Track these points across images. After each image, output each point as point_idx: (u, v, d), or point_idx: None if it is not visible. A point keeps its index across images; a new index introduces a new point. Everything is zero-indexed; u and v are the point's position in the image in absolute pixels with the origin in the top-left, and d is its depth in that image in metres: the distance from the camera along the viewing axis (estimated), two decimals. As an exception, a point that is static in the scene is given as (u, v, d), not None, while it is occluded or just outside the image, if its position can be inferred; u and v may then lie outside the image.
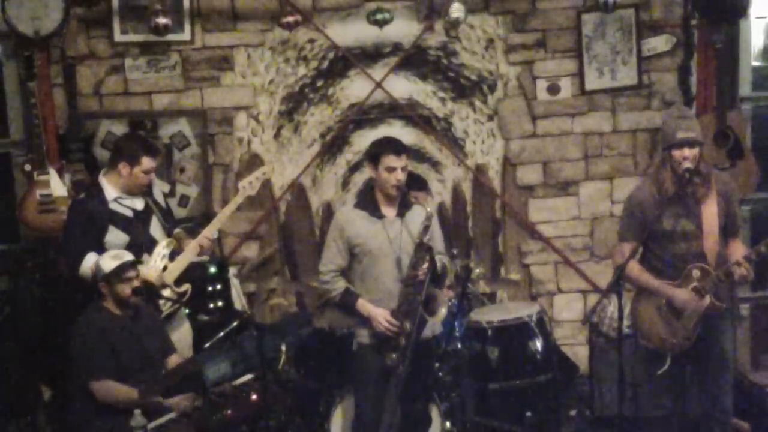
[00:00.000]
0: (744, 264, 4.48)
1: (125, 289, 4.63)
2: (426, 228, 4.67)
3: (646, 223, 4.65)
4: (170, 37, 5.96)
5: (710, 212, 4.60)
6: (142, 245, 4.97)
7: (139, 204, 5.07)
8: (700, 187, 4.59)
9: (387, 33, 6.22)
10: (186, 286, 5.13)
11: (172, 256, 5.07)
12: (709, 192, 4.61)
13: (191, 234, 5.27)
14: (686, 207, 4.60)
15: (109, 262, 4.63)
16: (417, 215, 4.76)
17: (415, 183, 5.48)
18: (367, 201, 4.81)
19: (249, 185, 5.26)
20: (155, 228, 5.12)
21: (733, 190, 4.74)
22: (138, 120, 6.14)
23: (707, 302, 4.56)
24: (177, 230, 5.27)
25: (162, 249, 5.03)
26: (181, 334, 5.18)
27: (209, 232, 5.17)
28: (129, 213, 5.02)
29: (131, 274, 4.66)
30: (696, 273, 4.58)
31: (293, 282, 6.34)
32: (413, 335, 4.63)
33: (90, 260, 4.81)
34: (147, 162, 4.98)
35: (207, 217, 5.86)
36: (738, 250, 4.62)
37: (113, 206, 4.98)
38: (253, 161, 6.20)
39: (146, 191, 5.12)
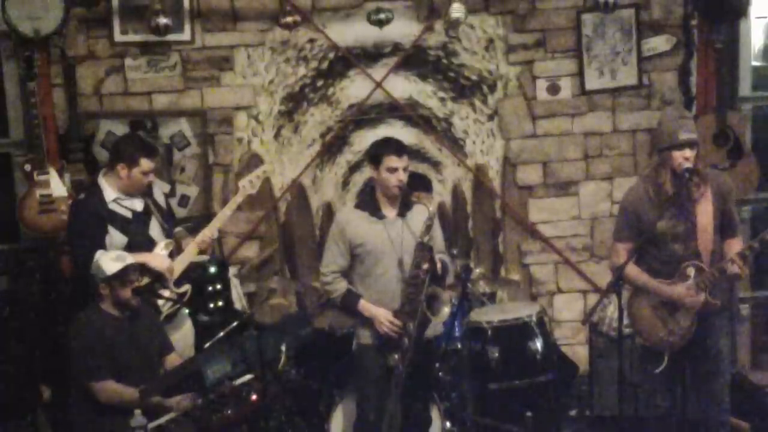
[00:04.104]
0: (737, 261, 4.50)
1: (126, 292, 4.62)
2: (428, 227, 4.67)
3: (641, 223, 4.66)
4: (170, 37, 5.96)
5: (705, 212, 4.61)
6: (140, 246, 4.96)
7: (138, 205, 5.06)
8: (696, 187, 4.60)
9: (387, 33, 6.22)
10: (186, 287, 5.12)
11: (171, 256, 5.06)
12: (705, 192, 4.62)
13: (191, 234, 5.27)
14: (681, 207, 4.61)
15: (111, 264, 4.60)
16: (418, 214, 4.77)
17: (420, 183, 5.49)
18: (368, 201, 4.81)
19: (249, 184, 5.26)
20: (154, 229, 5.10)
21: (730, 188, 4.74)
22: (138, 120, 6.14)
23: (702, 299, 4.58)
24: (177, 229, 5.27)
25: (160, 250, 5.02)
26: (183, 334, 5.18)
27: (210, 231, 5.17)
28: (128, 214, 5.01)
29: (133, 276, 4.66)
30: (691, 271, 4.60)
31: (293, 282, 6.34)
32: (414, 335, 4.64)
33: None
34: (145, 163, 4.97)
35: (207, 217, 5.85)
36: (735, 248, 4.63)
37: (112, 207, 4.97)
38: (253, 161, 6.20)
39: (146, 192, 5.12)
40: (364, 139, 6.21)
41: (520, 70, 6.37)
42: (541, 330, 5.37)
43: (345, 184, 6.37)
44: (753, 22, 6.34)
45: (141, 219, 5.05)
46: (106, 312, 4.67)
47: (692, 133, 4.58)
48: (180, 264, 5.07)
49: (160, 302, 4.98)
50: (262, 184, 5.46)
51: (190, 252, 5.12)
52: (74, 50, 5.97)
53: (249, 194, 5.29)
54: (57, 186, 5.68)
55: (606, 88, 6.38)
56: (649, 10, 6.34)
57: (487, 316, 5.43)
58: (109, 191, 4.97)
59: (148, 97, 6.16)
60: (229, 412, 4.56)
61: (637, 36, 6.33)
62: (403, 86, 6.31)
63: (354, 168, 6.35)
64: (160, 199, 5.29)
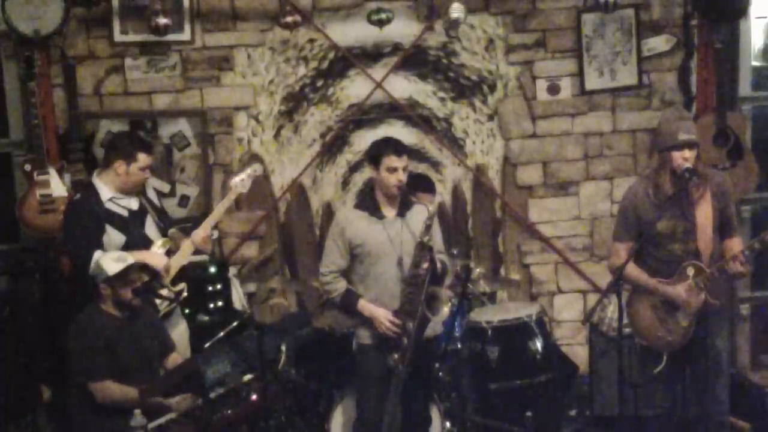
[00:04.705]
0: (740, 259, 4.50)
1: (127, 292, 4.62)
2: (428, 227, 4.67)
3: (640, 223, 4.67)
4: (170, 37, 5.96)
5: (704, 212, 4.62)
6: (138, 245, 4.96)
7: (134, 204, 5.06)
8: (696, 187, 4.60)
9: (387, 33, 6.21)
10: (182, 285, 5.12)
11: (168, 255, 5.05)
12: (704, 192, 4.62)
13: (188, 234, 5.25)
14: (681, 207, 4.61)
15: (113, 264, 4.60)
16: (417, 214, 4.76)
17: (422, 184, 5.48)
18: (368, 201, 4.81)
19: (240, 183, 5.24)
20: (150, 228, 5.11)
21: (728, 189, 4.75)
22: (138, 120, 6.14)
23: (702, 299, 4.58)
24: (172, 230, 5.26)
25: (157, 249, 5.01)
26: (178, 333, 5.17)
27: (203, 230, 5.15)
28: (125, 213, 5.01)
29: (134, 276, 4.66)
30: (690, 270, 4.60)
31: (293, 282, 6.34)
32: (414, 335, 4.64)
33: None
34: (143, 158, 4.97)
35: (207, 217, 5.85)
36: (734, 247, 4.64)
37: (109, 206, 4.96)
38: (253, 161, 6.19)
39: (140, 190, 5.12)
40: (364, 139, 6.20)
41: (520, 70, 6.37)
42: (541, 330, 5.37)
43: (345, 184, 6.37)
44: (753, 22, 6.34)
45: (137, 218, 5.05)
46: (107, 312, 4.67)
47: (691, 134, 4.58)
48: (176, 263, 5.07)
49: (157, 301, 4.97)
50: (261, 184, 5.44)
51: (185, 251, 5.12)
52: (74, 50, 5.97)
53: (240, 193, 5.27)
54: (57, 186, 5.68)
55: (606, 88, 6.38)
56: (649, 10, 6.34)
57: (487, 316, 5.43)
58: (105, 191, 4.97)
59: (148, 97, 6.16)
60: (229, 412, 4.56)
61: (637, 36, 6.33)
62: (403, 86, 6.31)
63: (354, 168, 6.35)
64: (153, 197, 5.29)
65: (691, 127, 4.63)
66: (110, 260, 4.64)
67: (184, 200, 6.22)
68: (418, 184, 5.33)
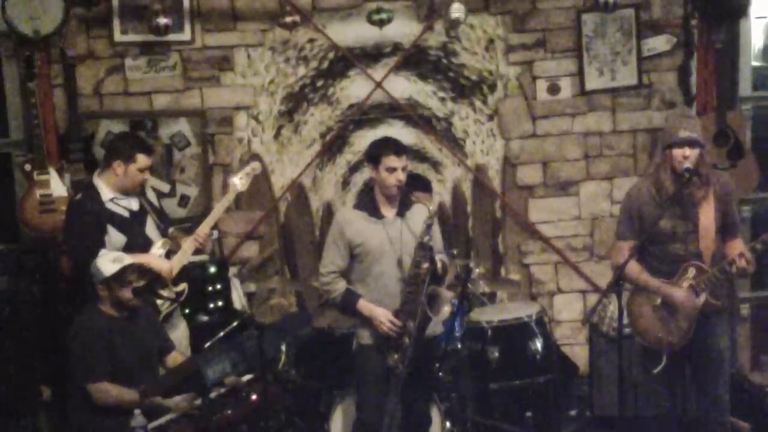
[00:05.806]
0: (747, 255, 4.49)
1: (126, 293, 4.62)
2: (428, 227, 4.66)
3: (643, 222, 4.66)
4: (170, 37, 5.96)
5: (707, 213, 4.61)
6: (138, 246, 4.96)
7: (134, 204, 5.06)
8: (699, 188, 4.59)
9: (387, 33, 6.22)
10: (183, 285, 5.12)
11: (168, 256, 5.06)
12: (707, 193, 4.61)
13: (188, 233, 5.26)
14: (683, 208, 4.61)
15: (109, 265, 4.60)
16: (417, 214, 4.76)
17: (419, 184, 5.48)
18: (367, 201, 4.81)
19: (239, 182, 5.24)
20: (150, 228, 5.11)
21: (732, 191, 4.74)
22: (138, 120, 6.14)
23: (702, 300, 4.58)
24: (172, 229, 5.26)
25: (157, 249, 5.02)
26: (178, 334, 5.18)
27: (203, 230, 5.15)
28: (125, 213, 5.01)
29: (131, 277, 4.66)
30: (692, 271, 4.60)
31: (293, 282, 6.34)
32: (414, 335, 4.64)
33: None
34: (142, 159, 4.98)
35: (207, 217, 5.85)
36: (737, 249, 4.63)
37: (109, 206, 4.97)
38: (253, 161, 6.17)
39: (140, 191, 5.12)
40: (364, 139, 6.20)
41: (520, 70, 6.37)
42: (541, 330, 5.37)
43: (345, 184, 6.37)
44: (753, 22, 6.34)
45: (138, 218, 5.06)
46: (106, 312, 4.67)
47: (693, 132, 4.56)
48: (177, 264, 5.07)
49: (159, 302, 4.98)
50: (261, 184, 5.42)
51: (186, 251, 5.12)
52: (74, 50, 5.95)
53: (239, 192, 5.27)
54: (57, 186, 5.68)
55: (606, 88, 6.38)
56: (649, 10, 6.35)
57: (487, 316, 5.43)
58: (106, 191, 4.98)
59: (148, 97, 6.15)
60: (229, 412, 4.57)
61: (637, 36, 6.33)
62: (403, 86, 6.31)
63: (354, 168, 6.35)
64: (153, 198, 5.29)
65: (694, 125, 4.61)
66: (107, 261, 4.63)
67: (184, 200, 6.22)
68: (415, 184, 5.33)
